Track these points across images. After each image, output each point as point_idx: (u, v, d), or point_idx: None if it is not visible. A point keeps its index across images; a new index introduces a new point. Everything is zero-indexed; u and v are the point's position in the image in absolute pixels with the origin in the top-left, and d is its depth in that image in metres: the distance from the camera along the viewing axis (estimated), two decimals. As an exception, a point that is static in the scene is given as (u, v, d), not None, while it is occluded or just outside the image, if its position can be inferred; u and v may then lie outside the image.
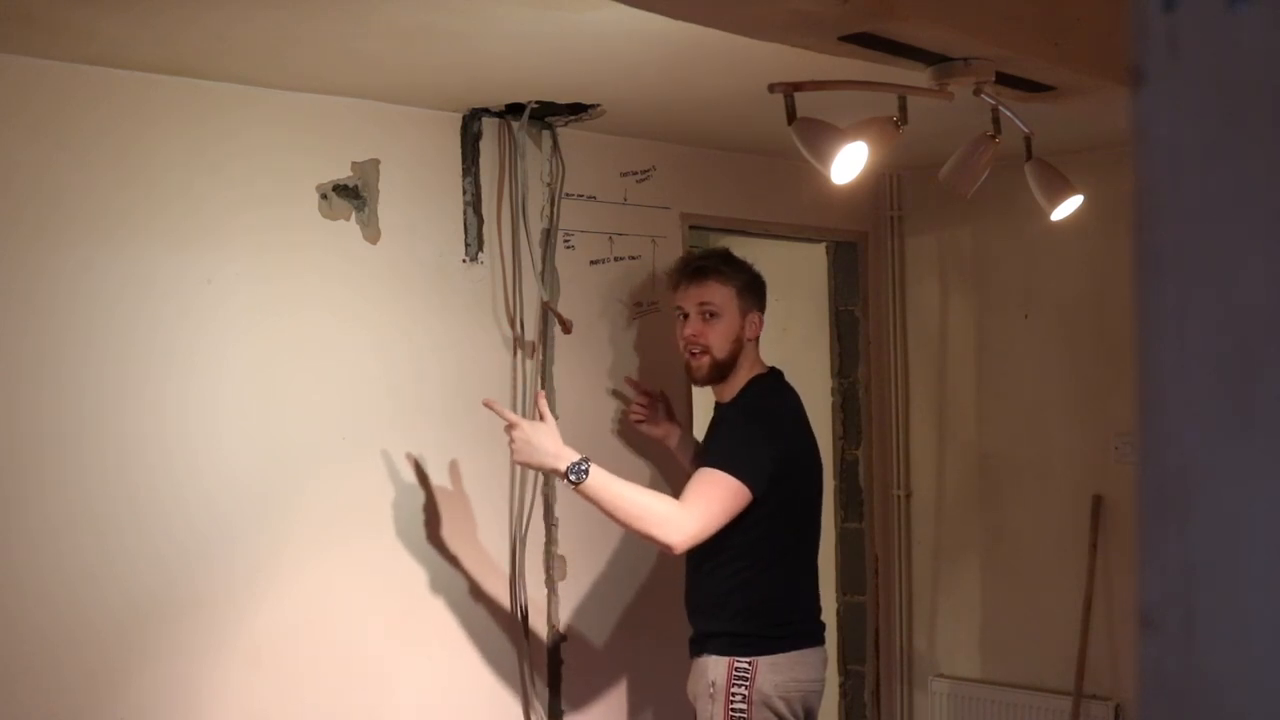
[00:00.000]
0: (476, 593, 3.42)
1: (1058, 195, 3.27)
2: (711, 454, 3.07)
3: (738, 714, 3.05)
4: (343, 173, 3.14)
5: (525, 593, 3.51)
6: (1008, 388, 4.62)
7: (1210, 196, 0.54)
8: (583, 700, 3.66)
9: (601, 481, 2.87)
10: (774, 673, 3.07)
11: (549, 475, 3.30)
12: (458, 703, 3.38)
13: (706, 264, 3.20)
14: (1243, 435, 0.53)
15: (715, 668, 3.10)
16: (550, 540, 3.59)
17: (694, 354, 3.19)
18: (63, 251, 2.66)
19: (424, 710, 3.30)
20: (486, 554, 3.44)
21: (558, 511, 3.59)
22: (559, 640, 3.60)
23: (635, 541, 3.84)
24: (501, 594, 3.47)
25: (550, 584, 3.60)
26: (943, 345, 4.76)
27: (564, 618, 3.62)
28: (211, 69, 2.80)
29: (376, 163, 3.20)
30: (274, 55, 2.71)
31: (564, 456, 2.88)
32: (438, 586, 3.33)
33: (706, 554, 3.09)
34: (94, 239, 2.70)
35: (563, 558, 3.61)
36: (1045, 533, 4.53)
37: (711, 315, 3.15)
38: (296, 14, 2.39)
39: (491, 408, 3.01)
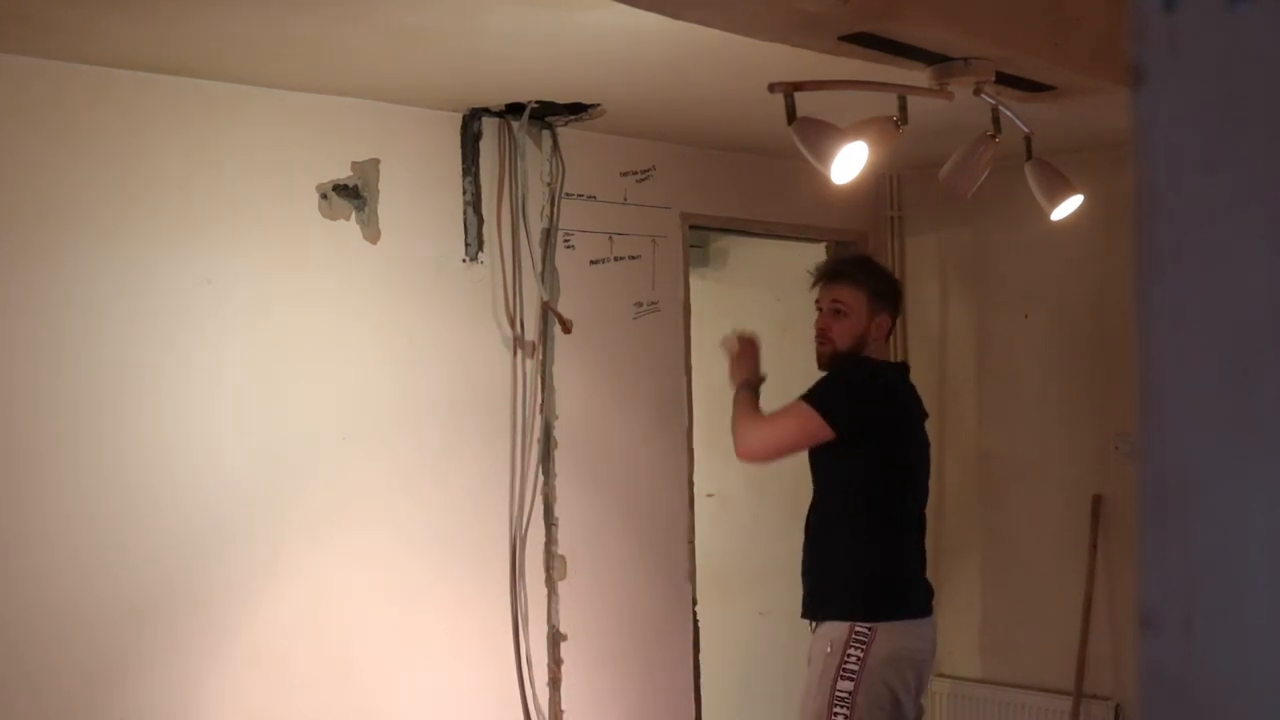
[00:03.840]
0: (476, 592, 3.42)
1: (1058, 195, 3.27)
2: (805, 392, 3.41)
3: (849, 674, 3.21)
4: (343, 173, 3.14)
5: (525, 593, 3.51)
6: (1008, 388, 4.62)
7: (1210, 196, 0.54)
8: (583, 700, 3.66)
9: (739, 399, 3.43)
10: (890, 640, 3.25)
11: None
12: (457, 703, 3.37)
13: (842, 269, 3.54)
14: (1243, 435, 0.53)
15: (837, 630, 3.27)
16: (550, 540, 3.59)
17: (820, 343, 3.48)
18: (60, 251, 2.65)
19: (423, 710, 3.29)
20: (486, 554, 3.44)
21: (558, 511, 3.59)
22: (559, 640, 3.60)
23: (635, 541, 3.84)
24: (501, 594, 3.47)
25: (550, 584, 3.59)
26: (943, 345, 4.76)
27: (564, 618, 3.62)
28: (210, 68, 2.80)
29: (376, 163, 3.20)
30: (273, 55, 2.71)
31: (739, 384, 3.46)
32: (437, 586, 3.33)
33: (819, 529, 3.38)
34: (91, 238, 2.70)
35: (563, 558, 3.61)
36: (1045, 532, 4.53)
37: (840, 313, 3.42)
38: (295, 13, 2.39)
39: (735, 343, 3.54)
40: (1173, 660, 0.54)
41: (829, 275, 3.50)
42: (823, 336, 3.46)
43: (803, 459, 3.45)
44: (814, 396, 3.34)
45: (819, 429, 3.29)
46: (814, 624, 3.42)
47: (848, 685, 3.22)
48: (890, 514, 3.40)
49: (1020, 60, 2.53)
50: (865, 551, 3.34)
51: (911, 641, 3.31)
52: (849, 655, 3.22)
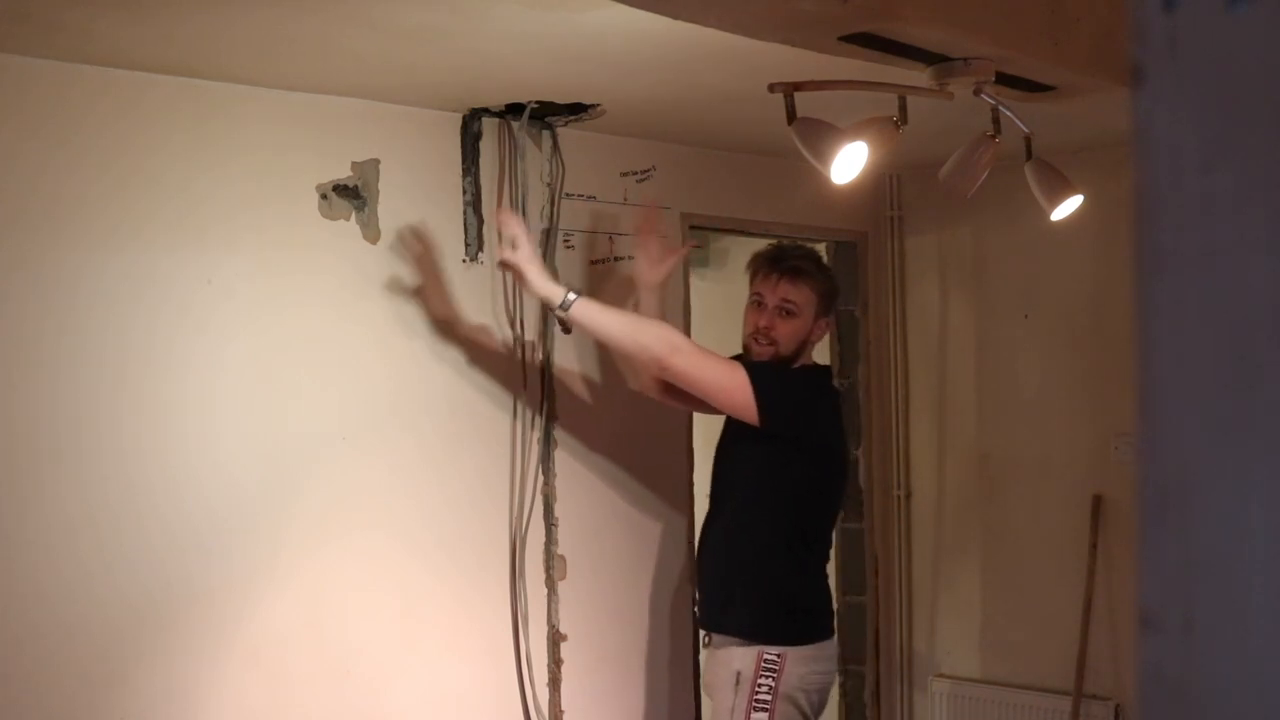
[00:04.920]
0: (476, 592, 3.42)
1: (1058, 195, 3.27)
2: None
3: (762, 705, 3.12)
4: (343, 173, 3.14)
5: (525, 593, 3.51)
6: (1008, 388, 4.62)
7: (1210, 196, 0.54)
8: (583, 700, 3.66)
9: (585, 310, 2.99)
10: (800, 665, 3.16)
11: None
12: (457, 703, 3.37)
13: (803, 265, 3.28)
14: (1243, 435, 0.53)
15: (743, 658, 3.17)
16: (550, 540, 3.59)
17: (759, 343, 3.25)
18: (60, 251, 2.65)
19: (423, 710, 3.29)
20: (486, 554, 3.44)
21: (558, 511, 3.59)
22: (559, 640, 3.60)
23: (635, 541, 3.84)
24: (501, 594, 3.47)
25: (550, 584, 3.59)
26: (943, 345, 4.76)
27: (564, 618, 3.62)
28: (210, 69, 2.80)
29: (376, 163, 3.20)
30: (272, 54, 2.71)
31: (555, 294, 2.97)
32: (437, 586, 3.33)
33: (733, 538, 3.24)
34: (92, 239, 2.70)
35: (563, 557, 3.61)
36: (1045, 532, 4.53)
37: (789, 313, 3.23)
38: (294, 13, 2.39)
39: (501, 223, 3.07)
40: (1173, 660, 0.54)
41: (785, 270, 3.24)
42: (766, 337, 3.23)
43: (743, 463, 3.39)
44: (758, 375, 3.09)
45: (742, 404, 3.06)
46: (710, 636, 3.33)
47: (761, 716, 3.12)
48: (814, 534, 3.29)
49: (1020, 60, 2.53)
50: (784, 570, 3.23)
51: (820, 664, 3.23)
52: (760, 685, 3.11)
